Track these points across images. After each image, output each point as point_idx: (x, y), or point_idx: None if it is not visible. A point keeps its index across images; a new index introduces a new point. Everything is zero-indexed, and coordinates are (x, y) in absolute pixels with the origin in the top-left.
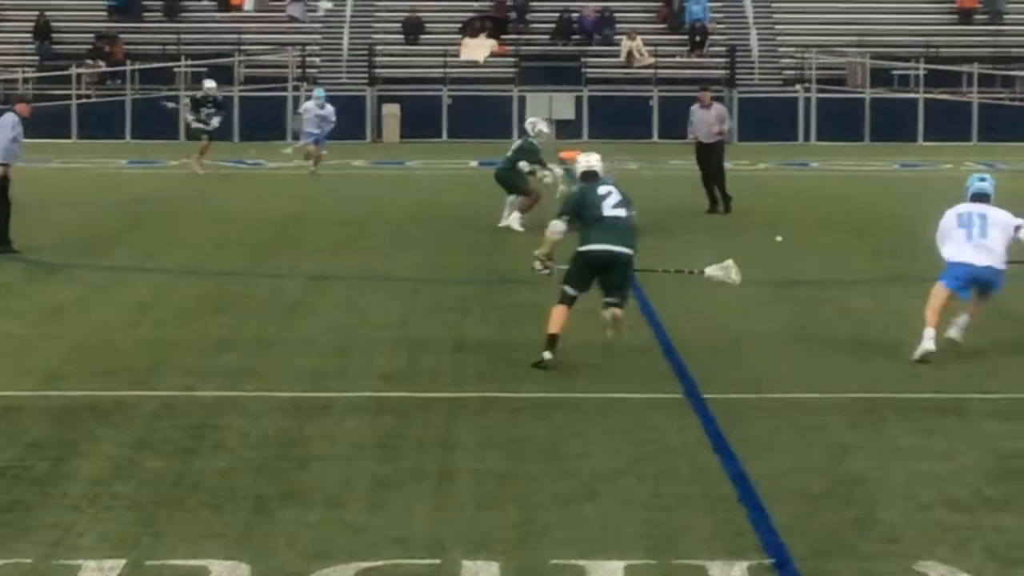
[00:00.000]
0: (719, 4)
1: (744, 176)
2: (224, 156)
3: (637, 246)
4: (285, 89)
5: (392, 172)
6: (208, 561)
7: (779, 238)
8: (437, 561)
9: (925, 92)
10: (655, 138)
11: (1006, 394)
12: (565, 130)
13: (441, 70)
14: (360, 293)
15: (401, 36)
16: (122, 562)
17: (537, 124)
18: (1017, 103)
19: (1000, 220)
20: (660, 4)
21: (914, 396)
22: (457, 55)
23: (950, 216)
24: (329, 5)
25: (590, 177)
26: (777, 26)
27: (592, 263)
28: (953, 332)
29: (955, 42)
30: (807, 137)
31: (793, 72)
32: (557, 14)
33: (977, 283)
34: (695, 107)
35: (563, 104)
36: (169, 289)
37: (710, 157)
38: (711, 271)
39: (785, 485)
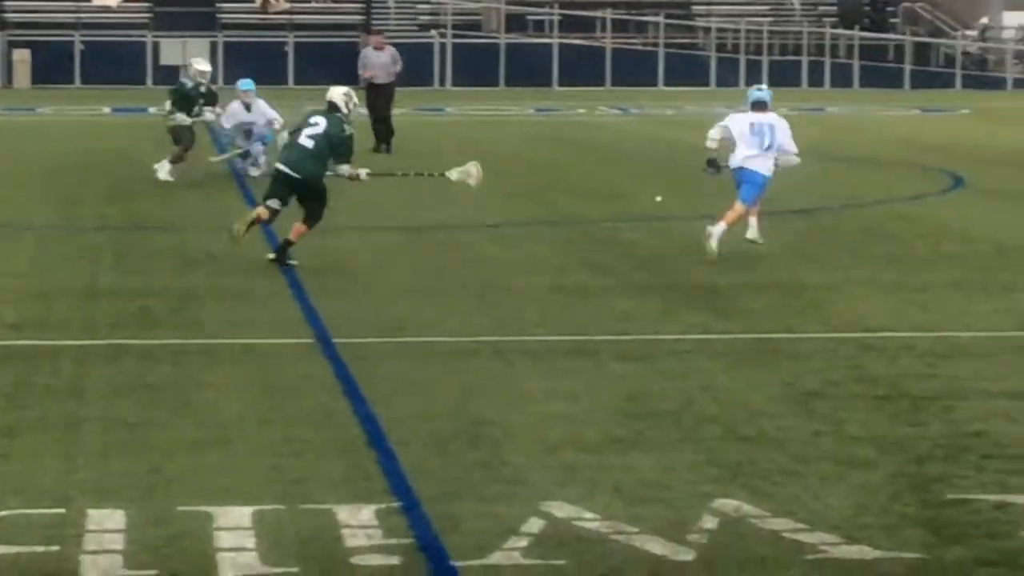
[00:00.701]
0: None
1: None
2: None
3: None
4: None
5: (23, 119)
6: None
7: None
8: (62, 511)
9: (560, 37)
10: (291, 84)
11: (634, 335)
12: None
13: (74, 15)
14: None
15: None
16: None
17: (193, 65)
18: (649, 48)
19: (783, 135)
20: None
21: (542, 339)
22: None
23: (742, 121)
24: None
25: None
26: None
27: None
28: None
29: None
30: (443, 83)
31: (429, 17)
32: None
33: (760, 187)
34: (368, 49)
35: (198, 49)
36: None
37: (387, 97)
38: (452, 174)
39: (414, 429)
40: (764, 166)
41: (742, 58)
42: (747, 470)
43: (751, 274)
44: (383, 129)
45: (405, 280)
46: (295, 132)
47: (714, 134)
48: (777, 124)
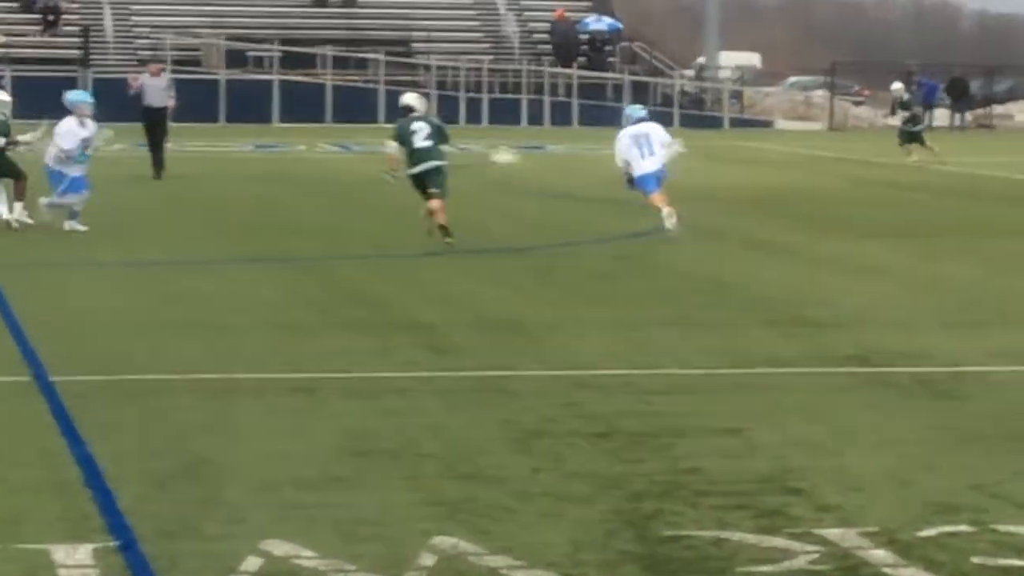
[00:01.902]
0: None
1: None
2: None
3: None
4: None
5: None
6: None
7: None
8: None
9: (280, 74)
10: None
11: (354, 373)
12: None
13: None
14: None
15: None
16: None
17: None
18: (370, 85)
19: (659, 137)
20: None
21: (262, 376)
22: None
23: (626, 140)
24: None
25: (406, 111)
26: (132, 6)
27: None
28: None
29: (310, 24)
30: None
31: (148, 52)
32: None
33: (658, 180)
34: (146, 77)
35: None
36: None
37: (163, 121)
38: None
39: (132, 467)
40: (654, 166)
41: (462, 95)
42: (466, 507)
43: (468, 312)
44: (157, 154)
45: (122, 317)
46: (405, 142)
47: (618, 159)
48: (651, 131)
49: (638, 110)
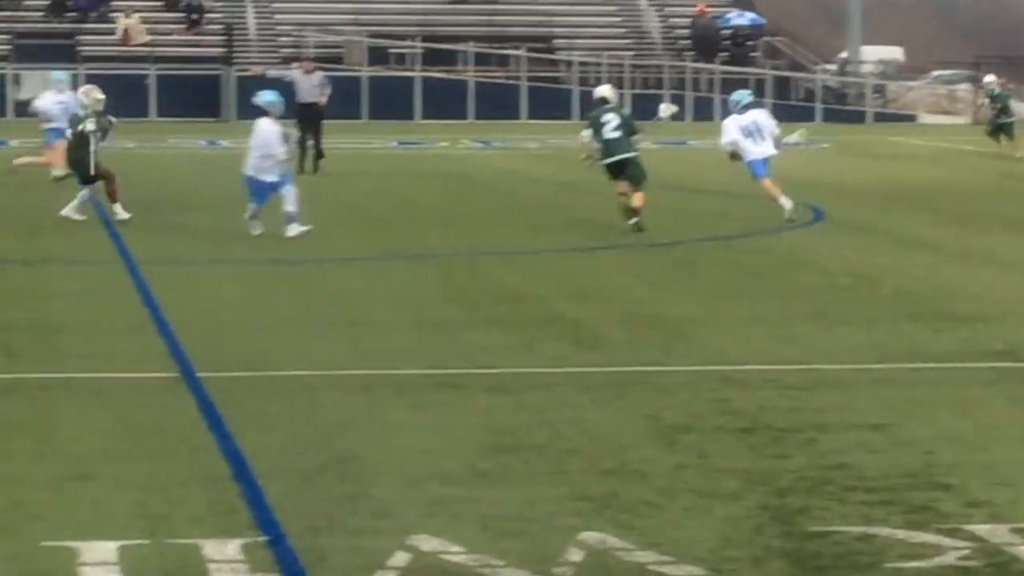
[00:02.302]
0: None
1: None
2: None
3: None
4: None
5: None
6: None
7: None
8: None
9: (422, 70)
10: (153, 116)
11: (499, 369)
12: None
13: None
14: None
15: None
16: None
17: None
18: (512, 81)
19: (768, 126)
20: None
21: (407, 372)
22: None
23: (734, 128)
24: None
25: (600, 102)
26: (275, 4)
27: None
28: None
29: (451, 21)
30: None
31: (290, 50)
32: None
33: (767, 164)
34: (297, 73)
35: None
36: None
37: (317, 117)
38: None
39: (278, 462)
40: (765, 152)
41: None
42: (612, 503)
43: (613, 307)
44: (307, 148)
45: (269, 314)
46: (597, 132)
47: (724, 142)
48: (761, 120)
49: (745, 95)
